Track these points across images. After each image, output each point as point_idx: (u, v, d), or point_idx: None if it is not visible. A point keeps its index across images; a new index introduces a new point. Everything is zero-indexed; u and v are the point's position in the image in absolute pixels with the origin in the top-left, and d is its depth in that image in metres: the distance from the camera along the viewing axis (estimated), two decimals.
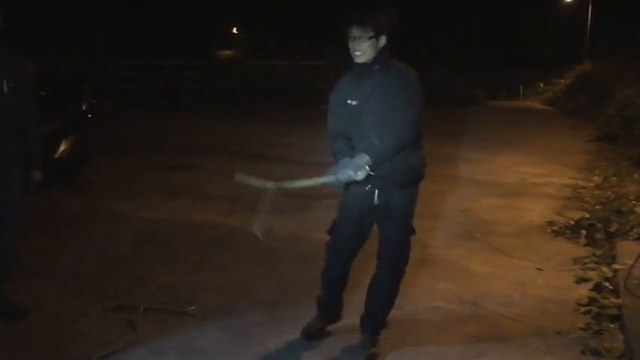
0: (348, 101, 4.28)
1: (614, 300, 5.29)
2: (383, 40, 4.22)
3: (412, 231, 4.54)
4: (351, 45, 4.22)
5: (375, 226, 4.52)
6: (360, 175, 4.07)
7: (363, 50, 4.19)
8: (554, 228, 7.78)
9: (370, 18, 4.18)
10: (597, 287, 5.66)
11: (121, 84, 22.35)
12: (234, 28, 30.52)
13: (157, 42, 28.18)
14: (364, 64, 4.24)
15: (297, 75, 24.74)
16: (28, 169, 4.78)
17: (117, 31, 29.22)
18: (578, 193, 9.75)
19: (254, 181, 4.30)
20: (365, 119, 4.23)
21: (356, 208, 4.42)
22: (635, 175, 10.21)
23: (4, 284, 4.81)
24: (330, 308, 4.72)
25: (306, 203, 8.57)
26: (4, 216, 4.65)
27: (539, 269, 6.37)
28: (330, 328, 4.79)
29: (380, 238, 4.50)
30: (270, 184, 4.30)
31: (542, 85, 38.18)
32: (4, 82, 4.41)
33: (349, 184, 4.33)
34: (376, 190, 4.33)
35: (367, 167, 4.07)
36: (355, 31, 4.17)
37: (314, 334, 4.68)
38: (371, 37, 4.16)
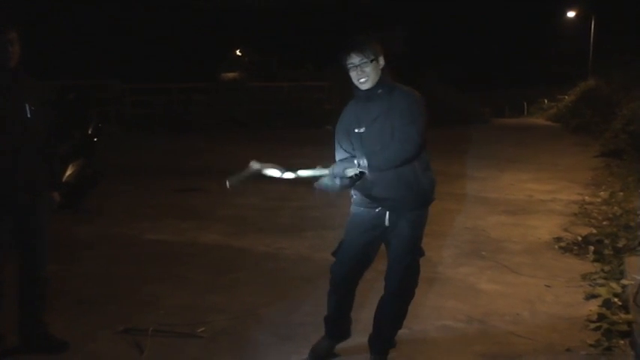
0: (356, 130, 4.26)
1: (623, 316, 5.26)
2: (382, 61, 4.23)
3: (421, 253, 4.52)
4: (353, 73, 4.22)
5: (382, 247, 4.52)
6: (350, 172, 4.07)
7: (367, 75, 4.18)
8: (562, 244, 7.76)
9: (366, 42, 4.20)
10: (606, 303, 5.62)
11: (128, 108, 22.43)
12: (238, 51, 30.67)
13: (162, 66, 28.30)
14: (368, 89, 4.23)
15: (302, 96, 24.82)
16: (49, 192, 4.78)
17: (123, 55, 29.35)
18: (586, 209, 9.72)
19: (247, 172, 4.29)
20: (372, 143, 4.21)
21: (364, 231, 4.39)
22: None
23: (43, 315, 4.77)
24: (338, 328, 4.70)
25: (312, 224, 8.58)
26: (38, 244, 4.63)
27: (548, 286, 6.34)
28: (339, 347, 4.77)
29: (388, 260, 4.48)
30: (269, 169, 4.28)
31: (546, 101, 38.21)
32: (27, 106, 4.43)
33: (359, 205, 4.38)
34: (387, 212, 4.32)
35: (361, 169, 4.09)
36: (355, 59, 4.17)
37: (322, 355, 4.67)
38: (372, 60, 4.17)
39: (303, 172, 4.25)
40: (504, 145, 18.80)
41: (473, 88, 33.77)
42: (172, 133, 19.88)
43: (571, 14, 42.66)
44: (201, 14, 36.13)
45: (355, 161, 4.11)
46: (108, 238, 7.94)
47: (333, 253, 4.57)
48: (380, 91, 4.22)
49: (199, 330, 5.09)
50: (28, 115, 4.43)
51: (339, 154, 4.36)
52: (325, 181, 4.21)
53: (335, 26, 36.99)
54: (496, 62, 46.51)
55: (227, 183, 4.25)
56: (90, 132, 9.37)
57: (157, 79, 24.37)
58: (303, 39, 35.72)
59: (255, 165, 4.29)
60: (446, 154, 15.03)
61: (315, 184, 4.24)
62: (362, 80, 4.20)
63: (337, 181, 4.12)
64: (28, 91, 4.52)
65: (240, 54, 31.00)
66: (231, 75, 26.42)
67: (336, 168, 4.07)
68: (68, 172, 8.79)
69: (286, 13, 38.41)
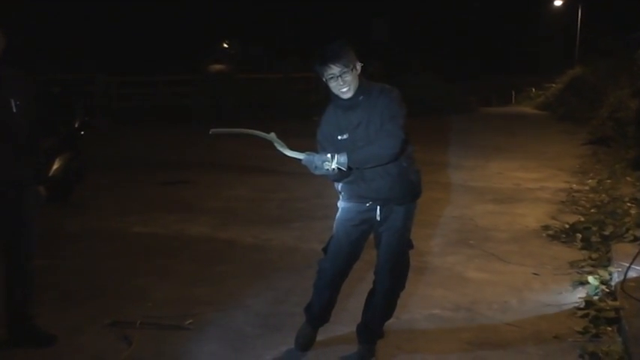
0: (339, 137, 4.20)
1: (611, 303, 5.28)
2: (359, 67, 4.16)
3: (410, 245, 4.52)
4: (334, 83, 4.11)
5: (370, 240, 4.52)
6: (327, 165, 3.98)
7: (348, 84, 4.10)
8: (550, 232, 7.77)
9: (343, 50, 4.10)
10: (594, 290, 5.65)
11: (114, 101, 22.33)
12: (225, 43, 30.54)
13: (148, 58, 28.17)
14: (350, 97, 4.16)
15: (289, 87, 24.75)
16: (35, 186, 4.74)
17: (108, 48, 29.22)
18: (573, 196, 9.75)
19: (233, 130, 4.25)
20: (352, 145, 4.15)
21: (354, 225, 4.37)
22: (629, 178, 10.21)
23: (30, 309, 4.75)
24: (323, 318, 4.70)
25: (299, 215, 8.58)
26: (26, 237, 4.61)
27: (536, 274, 6.36)
28: (328, 337, 4.78)
29: (378, 254, 4.47)
30: (251, 131, 4.25)
31: (533, 90, 38.26)
32: (12, 101, 4.40)
33: (348, 200, 4.36)
34: (378, 207, 4.31)
35: (339, 164, 3.99)
36: (335, 69, 4.06)
37: (308, 344, 4.67)
38: (352, 69, 4.09)
39: (279, 145, 4.19)
40: (491, 134, 18.82)
41: (459, 77, 33.76)
42: (159, 125, 19.80)
43: (558, 3, 42.71)
44: (187, 6, 35.96)
45: (329, 155, 4.01)
46: (95, 231, 7.91)
47: (324, 249, 4.54)
48: (361, 97, 4.16)
49: (187, 322, 5.07)
50: (14, 110, 4.40)
51: None
52: (304, 160, 4.14)
53: (320, 16, 36.99)
54: (483, 51, 46.49)
55: (210, 130, 4.26)
56: (76, 125, 9.34)
57: (143, 71, 24.27)
58: (289, 30, 35.67)
59: (215, 131, 4.28)
60: (432, 143, 15.04)
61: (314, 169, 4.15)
62: (344, 90, 4.13)
63: (317, 172, 4.08)
64: (13, 85, 4.49)
65: (227, 46, 30.87)
66: (217, 67, 26.31)
67: (317, 159, 4.03)
68: (55, 166, 8.75)
69: (272, 3, 38.29)
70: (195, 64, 25.86)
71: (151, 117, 20.95)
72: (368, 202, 4.31)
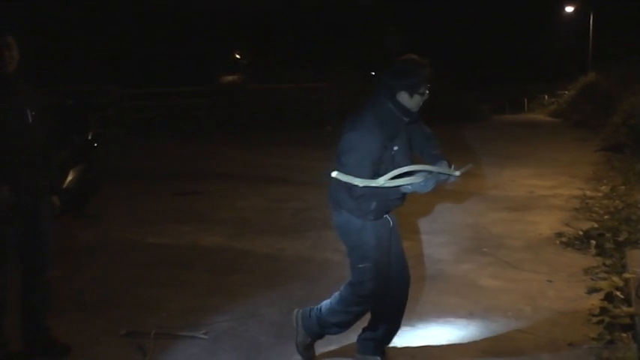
0: (393, 150, 4.18)
1: (626, 309, 5.25)
2: None
3: None
4: (419, 99, 4.20)
5: None
6: (452, 180, 4.37)
7: None
8: (564, 239, 7.75)
9: None
10: (609, 297, 5.61)
11: (127, 113, 22.42)
12: (237, 53, 30.66)
13: (161, 70, 28.29)
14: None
15: (302, 97, 24.80)
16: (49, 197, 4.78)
17: (122, 60, 29.37)
18: (587, 203, 9.71)
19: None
20: (403, 157, 4.24)
21: (385, 241, 4.36)
22: None
23: (46, 319, 4.78)
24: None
25: (313, 224, 8.58)
26: (42, 247, 4.64)
27: (550, 281, 6.34)
28: (341, 346, 4.80)
29: (394, 258, 4.48)
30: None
31: (546, 97, 38.20)
32: (28, 112, 4.45)
33: (376, 218, 4.30)
34: (388, 215, 4.39)
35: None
36: (427, 85, 4.20)
37: (313, 353, 4.69)
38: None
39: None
40: (504, 142, 18.79)
41: (472, 85, 33.74)
42: (172, 136, 19.90)
43: (569, 9, 42.62)
44: (200, 17, 36.11)
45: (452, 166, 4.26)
46: (110, 242, 7.95)
47: (370, 280, 4.30)
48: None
49: (202, 332, 5.09)
50: (30, 121, 4.45)
51: (366, 171, 4.03)
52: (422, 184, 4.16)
53: (333, 27, 37.05)
54: (496, 59, 46.46)
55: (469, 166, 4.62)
56: (90, 137, 9.38)
57: (156, 83, 24.36)
58: (302, 40, 35.72)
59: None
60: (445, 151, 14.98)
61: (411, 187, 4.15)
62: (421, 104, 4.24)
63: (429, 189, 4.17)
64: (28, 96, 4.53)
65: (239, 57, 31.00)
66: (230, 78, 26.42)
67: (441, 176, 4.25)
68: (69, 178, 8.80)
69: (284, 14, 38.42)
70: (208, 75, 25.97)
71: (164, 128, 21.03)
72: (385, 215, 4.37)
